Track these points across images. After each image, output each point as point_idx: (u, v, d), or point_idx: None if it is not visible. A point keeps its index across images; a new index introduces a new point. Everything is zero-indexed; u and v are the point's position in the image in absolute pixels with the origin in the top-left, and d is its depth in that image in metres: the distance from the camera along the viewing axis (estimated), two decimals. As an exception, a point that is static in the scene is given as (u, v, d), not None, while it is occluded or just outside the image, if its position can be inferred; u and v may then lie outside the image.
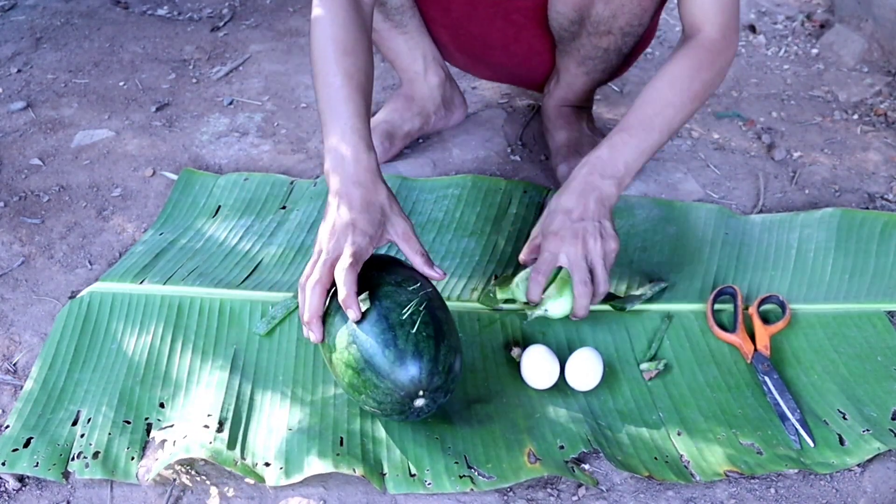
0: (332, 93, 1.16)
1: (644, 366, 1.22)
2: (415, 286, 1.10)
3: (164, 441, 1.11)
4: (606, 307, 1.32)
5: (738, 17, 1.31)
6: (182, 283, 1.35)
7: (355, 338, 1.06)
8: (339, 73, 1.17)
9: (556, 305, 1.22)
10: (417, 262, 1.12)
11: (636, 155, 1.24)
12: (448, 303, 1.31)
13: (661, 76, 1.28)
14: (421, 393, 1.05)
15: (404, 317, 1.06)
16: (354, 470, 1.06)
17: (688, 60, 1.27)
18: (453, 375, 1.09)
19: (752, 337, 1.26)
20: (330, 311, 1.10)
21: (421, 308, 1.07)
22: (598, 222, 1.21)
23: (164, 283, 1.35)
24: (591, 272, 1.20)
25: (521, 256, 1.27)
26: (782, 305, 1.30)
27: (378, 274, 1.11)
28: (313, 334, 1.09)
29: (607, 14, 1.37)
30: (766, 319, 1.29)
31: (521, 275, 1.26)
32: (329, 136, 1.15)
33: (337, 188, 1.12)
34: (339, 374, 1.09)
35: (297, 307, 1.30)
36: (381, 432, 1.13)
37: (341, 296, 1.06)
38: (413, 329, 1.05)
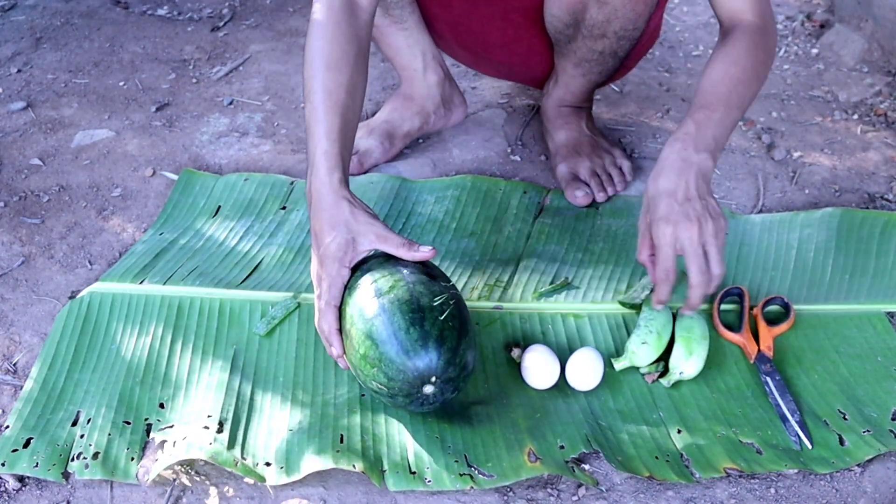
0: (311, 111, 1.18)
1: (644, 368, 1.22)
2: (447, 284, 1.13)
3: (163, 442, 1.11)
4: (614, 307, 1.32)
5: (772, 6, 1.29)
6: (182, 283, 1.35)
7: (382, 311, 1.07)
8: (320, 89, 1.18)
9: (690, 365, 1.19)
10: (403, 254, 1.13)
11: (722, 129, 1.19)
12: (448, 303, 1.32)
13: (719, 59, 1.24)
14: (433, 379, 1.06)
15: (435, 303, 1.08)
16: (354, 465, 1.06)
17: (742, 43, 1.25)
18: (466, 373, 1.10)
19: (756, 337, 1.26)
20: (356, 284, 1.12)
21: (451, 301, 1.09)
22: (704, 200, 1.15)
23: (164, 284, 1.35)
24: (706, 255, 1.14)
25: (640, 257, 1.18)
26: (787, 307, 1.30)
27: (416, 265, 1.14)
28: (341, 362, 1.14)
29: (601, 18, 1.37)
30: (770, 321, 1.28)
31: (634, 339, 1.21)
32: (308, 158, 1.18)
33: (310, 215, 1.16)
34: (356, 345, 1.09)
35: (298, 307, 1.30)
36: (382, 429, 1.13)
37: (322, 336, 1.13)
38: (441, 316, 1.07)
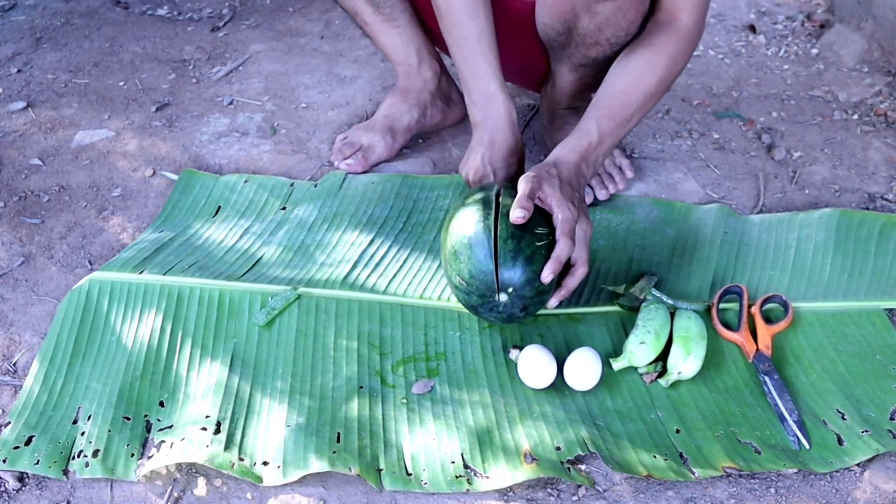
0: (466, 56, 1.39)
1: (642, 368, 1.22)
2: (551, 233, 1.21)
3: (161, 443, 1.11)
4: (612, 307, 1.32)
5: (708, 7, 1.37)
6: (182, 275, 1.35)
7: (489, 216, 1.19)
8: (471, 36, 1.38)
9: (688, 365, 1.20)
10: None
11: (613, 146, 1.33)
12: (447, 303, 1.32)
13: (642, 59, 1.32)
14: (510, 290, 1.15)
15: (536, 231, 1.18)
16: (350, 469, 1.06)
17: (668, 49, 1.33)
18: (537, 300, 1.18)
19: (755, 336, 1.26)
20: (474, 193, 1.26)
21: (551, 238, 1.18)
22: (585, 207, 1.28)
23: (164, 275, 1.34)
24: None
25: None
26: (785, 305, 1.30)
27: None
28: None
29: (593, 27, 1.37)
30: (768, 319, 1.28)
31: (632, 339, 1.22)
32: (471, 93, 1.41)
33: (481, 132, 1.40)
34: (454, 239, 1.20)
35: (298, 298, 1.31)
36: (379, 426, 1.13)
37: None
38: (538, 242, 1.16)
